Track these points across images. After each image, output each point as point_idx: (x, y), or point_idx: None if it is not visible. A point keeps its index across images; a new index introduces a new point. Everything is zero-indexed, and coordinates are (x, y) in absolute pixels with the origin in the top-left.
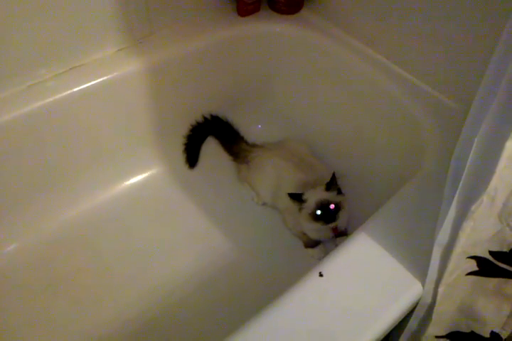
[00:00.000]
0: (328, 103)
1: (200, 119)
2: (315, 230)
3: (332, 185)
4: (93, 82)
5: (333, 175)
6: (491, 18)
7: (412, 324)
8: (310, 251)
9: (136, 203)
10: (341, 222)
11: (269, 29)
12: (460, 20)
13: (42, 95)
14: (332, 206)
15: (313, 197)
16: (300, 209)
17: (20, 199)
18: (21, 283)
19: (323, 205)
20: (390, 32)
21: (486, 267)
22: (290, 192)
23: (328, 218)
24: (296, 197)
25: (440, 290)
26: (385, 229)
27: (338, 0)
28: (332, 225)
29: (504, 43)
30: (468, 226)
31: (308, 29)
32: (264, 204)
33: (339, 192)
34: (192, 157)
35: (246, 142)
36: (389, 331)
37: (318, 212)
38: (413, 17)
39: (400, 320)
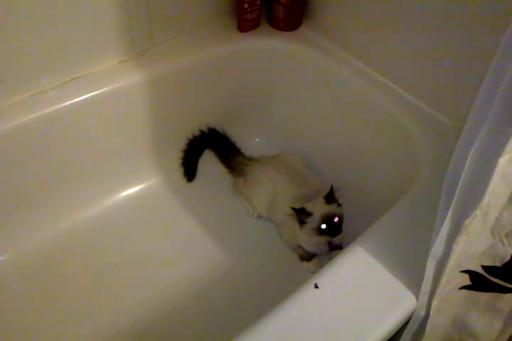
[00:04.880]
0: (324, 117)
1: (197, 133)
2: (314, 244)
3: (331, 197)
4: (93, 93)
5: (331, 187)
6: (485, 35)
7: (406, 338)
8: (305, 264)
9: (132, 213)
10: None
11: (268, 45)
12: (454, 38)
13: (43, 105)
14: (336, 219)
15: (317, 211)
16: (302, 224)
17: (17, 208)
18: (17, 291)
19: (328, 219)
20: (386, 49)
21: (479, 281)
22: (285, 205)
23: (333, 231)
24: (302, 212)
25: (434, 303)
26: (379, 242)
27: (336, 18)
28: (336, 238)
29: (499, 59)
30: (461, 240)
31: (306, 45)
32: (259, 217)
33: (338, 204)
34: (190, 170)
35: (243, 155)
36: None
37: (324, 226)
38: (409, 36)
39: (394, 333)
